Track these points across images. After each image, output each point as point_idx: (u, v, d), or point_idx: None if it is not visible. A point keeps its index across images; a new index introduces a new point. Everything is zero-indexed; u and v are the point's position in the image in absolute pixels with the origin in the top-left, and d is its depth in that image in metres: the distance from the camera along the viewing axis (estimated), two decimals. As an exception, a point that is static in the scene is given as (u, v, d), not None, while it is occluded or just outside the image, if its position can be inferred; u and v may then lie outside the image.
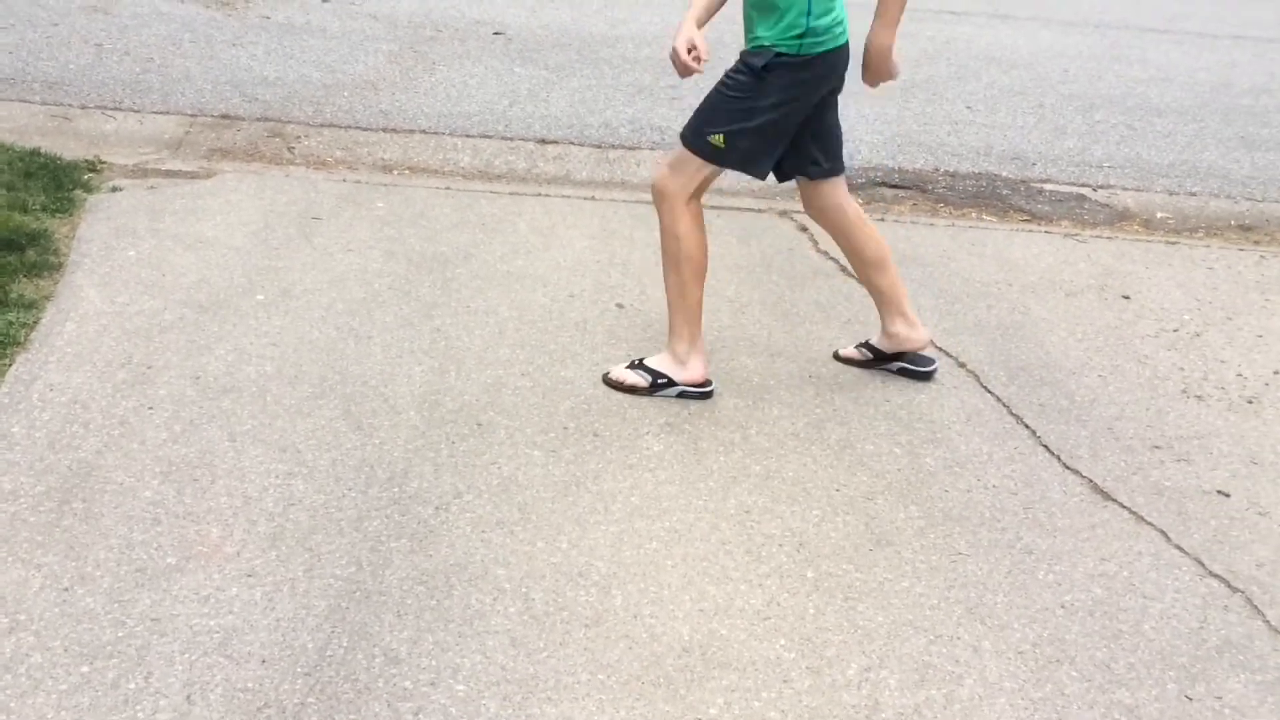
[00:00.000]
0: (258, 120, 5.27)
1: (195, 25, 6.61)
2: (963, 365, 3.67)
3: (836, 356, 3.62)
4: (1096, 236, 4.95)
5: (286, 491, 2.73)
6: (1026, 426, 3.35)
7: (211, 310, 3.52)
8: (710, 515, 2.81)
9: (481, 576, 2.52)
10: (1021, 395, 3.52)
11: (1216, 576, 2.77)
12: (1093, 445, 3.28)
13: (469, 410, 3.15)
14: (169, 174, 4.55)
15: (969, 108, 6.62)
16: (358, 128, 5.33)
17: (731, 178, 5.07)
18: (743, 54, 3.15)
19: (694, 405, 3.28)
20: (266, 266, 3.83)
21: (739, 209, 4.82)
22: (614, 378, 3.34)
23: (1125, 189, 5.56)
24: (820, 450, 3.13)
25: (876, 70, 3.20)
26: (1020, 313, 4.10)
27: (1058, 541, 2.84)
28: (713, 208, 4.76)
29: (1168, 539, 2.90)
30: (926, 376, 3.53)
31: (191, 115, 5.23)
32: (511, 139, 5.39)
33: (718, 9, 3.23)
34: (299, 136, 5.14)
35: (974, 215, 5.09)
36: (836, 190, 3.38)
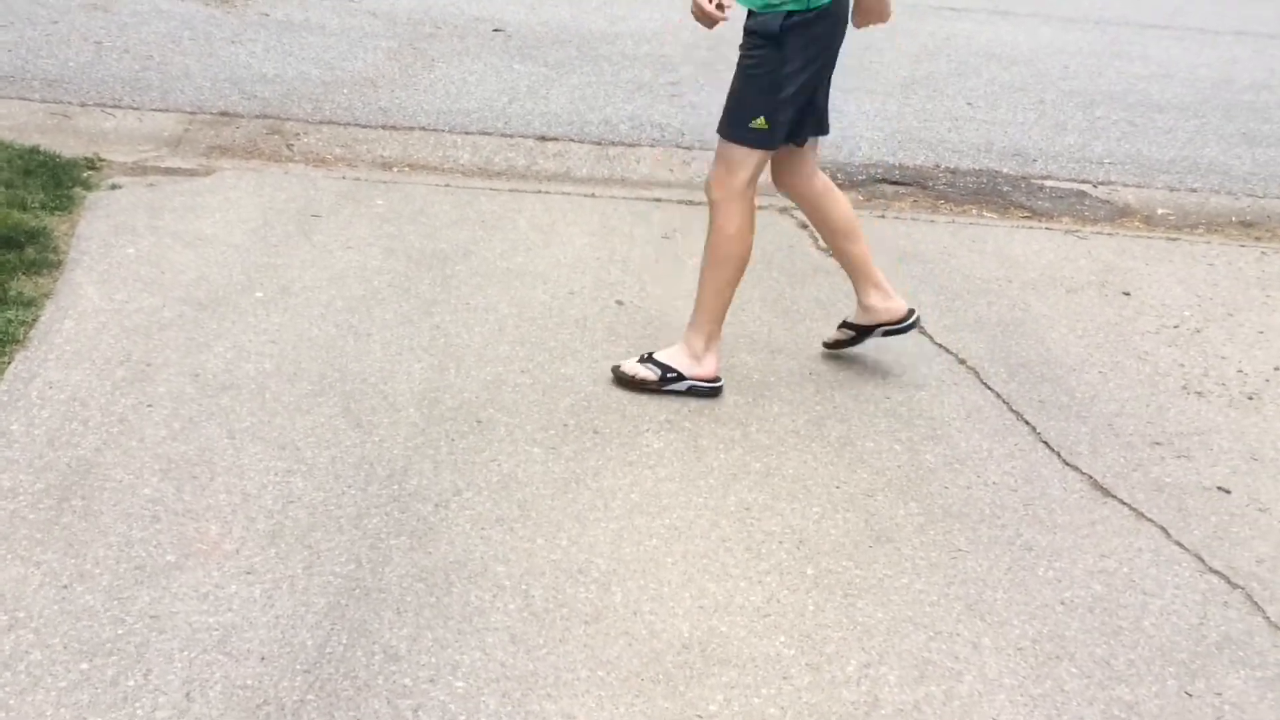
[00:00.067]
0: (257, 118, 5.26)
1: (194, 23, 6.61)
2: (963, 362, 3.67)
3: (825, 345, 3.60)
4: (1097, 233, 4.94)
5: (286, 489, 2.73)
6: (1026, 423, 3.35)
7: (210, 308, 3.51)
8: (710, 512, 2.81)
9: (481, 573, 2.52)
10: (1021, 392, 3.52)
11: (1216, 573, 2.77)
12: (1093, 442, 3.28)
13: (469, 407, 3.14)
14: (168, 171, 4.55)
15: (969, 104, 6.61)
16: (357, 125, 5.32)
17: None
18: (751, 25, 3.09)
19: (694, 402, 3.28)
20: (266, 264, 3.83)
21: (739, 206, 4.81)
22: (625, 371, 3.31)
23: (1126, 185, 5.55)
24: (820, 447, 3.13)
25: (868, 9, 3.18)
26: (1020, 309, 4.09)
27: (1057, 538, 2.84)
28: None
29: (1168, 535, 2.89)
30: (910, 329, 3.50)
31: (191, 113, 5.23)
32: (511, 136, 5.39)
33: None
34: (298, 134, 5.13)
35: (974, 212, 5.09)
36: (813, 155, 3.37)
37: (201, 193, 4.35)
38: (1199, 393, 3.63)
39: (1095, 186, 5.49)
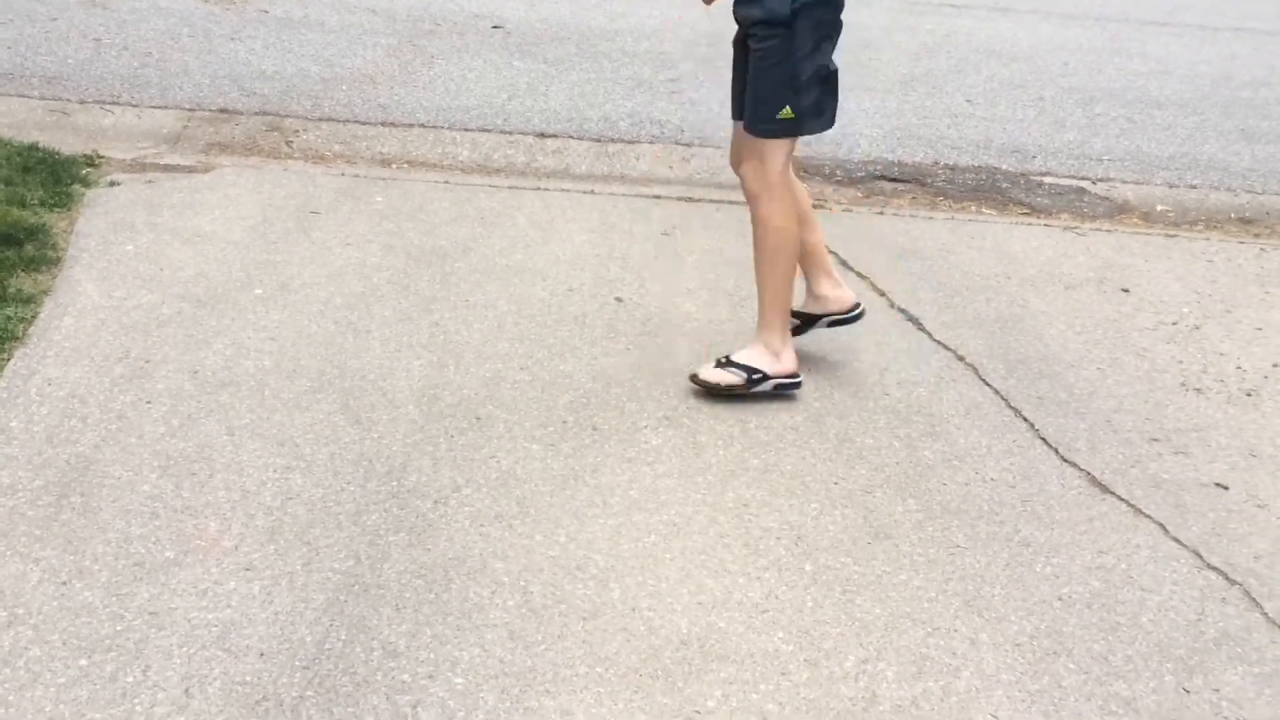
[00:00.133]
0: (256, 114, 5.26)
1: (193, 19, 6.61)
2: (961, 358, 3.67)
3: None
4: (1096, 229, 4.94)
5: (285, 485, 2.73)
6: (1025, 419, 3.35)
7: (209, 305, 3.51)
8: (708, 508, 2.81)
9: (480, 570, 2.52)
10: (1020, 388, 3.52)
11: (1214, 569, 2.77)
12: (1091, 438, 3.28)
13: (468, 404, 3.15)
14: (167, 168, 4.55)
15: (969, 101, 6.61)
16: (356, 122, 5.32)
17: (730, 172, 5.07)
18: (757, 14, 3.06)
19: (692, 399, 3.28)
20: (265, 261, 3.83)
21: (738, 203, 4.81)
22: (707, 379, 3.26)
23: (1125, 182, 5.55)
24: (819, 444, 3.13)
25: None
26: (1019, 306, 4.09)
27: (1056, 534, 2.84)
28: (713, 201, 4.77)
29: (1166, 531, 2.90)
30: (856, 319, 3.50)
31: (190, 110, 5.23)
32: (510, 133, 5.39)
33: None
34: (297, 130, 5.13)
35: (973, 208, 5.09)
36: None
37: (200, 189, 4.35)
38: (1197, 389, 3.63)
39: (1094, 183, 5.49)
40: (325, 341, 3.38)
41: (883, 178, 5.33)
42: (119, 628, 2.27)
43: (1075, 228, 4.94)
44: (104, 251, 3.77)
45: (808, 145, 4.95)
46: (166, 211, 4.12)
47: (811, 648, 2.40)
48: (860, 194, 5.12)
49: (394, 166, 4.93)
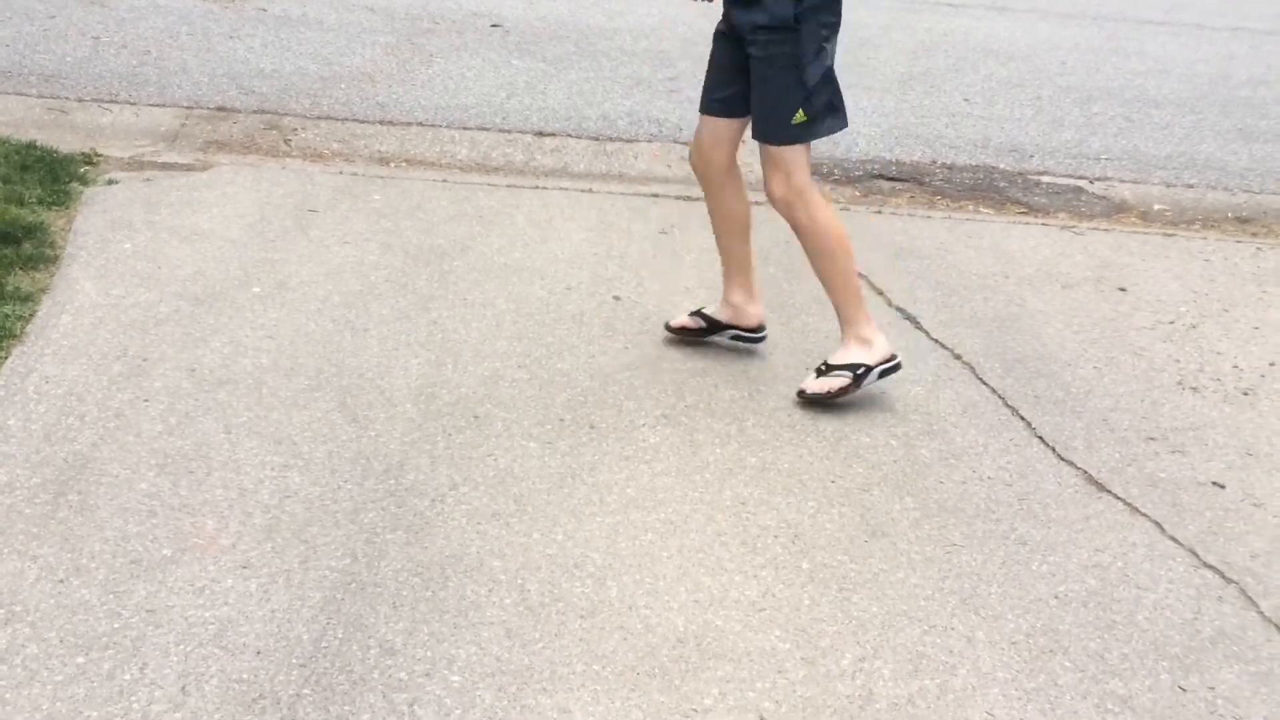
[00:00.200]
0: (254, 113, 5.26)
1: (192, 18, 6.60)
2: (959, 357, 3.67)
3: (668, 328, 3.54)
4: (1093, 229, 4.95)
5: (282, 484, 2.74)
6: (1022, 418, 3.35)
7: (207, 303, 3.52)
8: (706, 507, 2.81)
9: (477, 568, 2.52)
10: (1017, 387, 3.52)
11: (1211, 568, 2.78)
12: (1088, 437, 3.29)
13: (465, 403, 3.15)
14: (165, 166, 4.55)
15: (966, 100, 6.62)
16: (354, 120, 5.32)
17: (728, 170, 5.07)
18: (760, 19, 3.04)
19: (690, 397, 3.29)
20: (263, 259, 3.83)
21: (736, 201, 4.82)
22: (816, 391, 3.25)
23: (1122, 181, 5.55)
24: (816, 442, 3.14)
25: None
26: (1016, 305, 4.10)
27: (1052, 533, 2.85)
28: (709, 200, 4.76)
29: (1162, 530, 2.90)
30: (758, 340, 3.53)
31: (188, 108, 5.23)
32: (509, 131, 5.39)
33: None
34: (295, 129, 5.13)
35: (971, 208, 5.09)
36: (744, 132, 3.35)
37: (198, 188, 4.35)
38: (1194, 388, 3.63)
39: (1092, 182, 5.50)
40: (323, 340, 3.39)
41: (880, 176, 5.33)
42: (116, 625, 2.27)
43: (1073, 227, 4.94)
44: (102, 250, 3.77)
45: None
46: (164, 210, 4.12)
47: (808, 646, 2.40)
48: (858, 193, 5.12)
49: (392, 165, 4.93)
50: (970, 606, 2.56)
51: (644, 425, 3.13)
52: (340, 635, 2.30)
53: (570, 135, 5.42)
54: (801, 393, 3.29)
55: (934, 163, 5.55)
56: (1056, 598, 2.62)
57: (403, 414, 3.06)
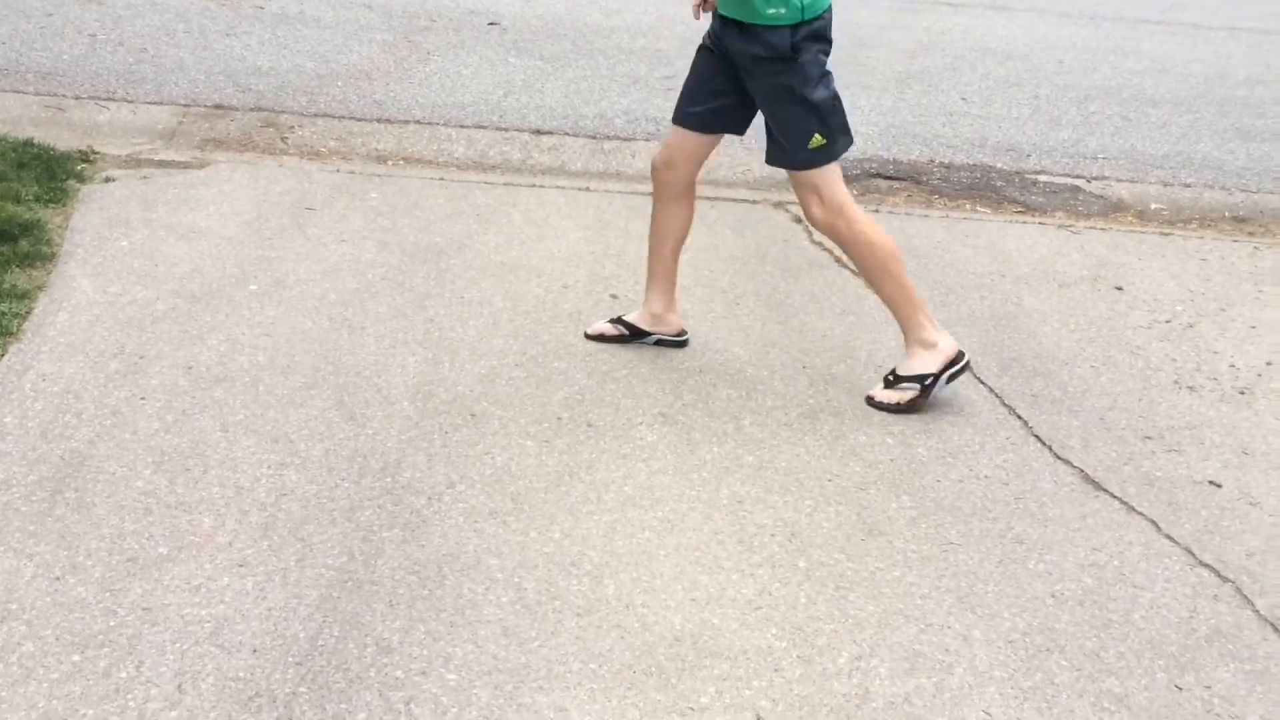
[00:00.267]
0: (251, 110, 5.26)
1: (189, 15, 6.60)
2: (956, 356, 3.67)
3: (586, 335, 3.53)
4: (1090, 228, 4.95)
5: (279, 482, 2.73)
6: (1018, 417, 3.35)
7: (204, 300, 3.51)
8: (703, 505, 2.81)
9: (474, 566, 2.52)
10: (1014, 386, 3.52)
11: (1206, 566, 2.78)
12: (1084, 436, 3.29)
13: (462, 401, 3.15)
14: (162, 164, 4.55)
15: (964, 99, 6.62)
16: (352, 118, 5.32)
17: (724, 170, 5.08)
18: (757, 51, 3.04)
19: (688, 395, 3.29)
20: (259, 257, 3.83)
21: (734, 200, 4.83)
22: (884, 401, 3.27)
23: (1120, 180, 5.56)
24: (813, 440, 3.14)
25: None
26: (1013, 304, 4.10)
27: (1048, 531, 2.85)
28: (707, 199, 4.76)
29: (1158, 529, 2.90)
30: (681, 345, 3.53)
31: (185, 105, 5.22)
32: (506, 129, 5.39)
33: None
34: (293, 126, 5.13)
35: (968, 206, 5.10)
36: (711, 152, 3.36)
37: (195, 185, 4.34)
38: (1191, 387, 3.64)
39: (1089, 181, 5.50)
40: (320, 338, 3.38)
41: (878, 175, 5.34)
42: (112, 623, 2.27)
43: (1070, 226, 4.95)
44: (99, 247, 3.77)
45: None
46: (161, 207, 4.12)
47: (805, 644, 2.40)
48: (856, 191, 5.10)
49: (389, 163, 4.93)
50: (967, 605, 2.57)
51: (641, 423, 3.13)
52: (337, 633, 2.30)
53: (567, 133, 5.42)
54: (870, 399, 3.31)
55: (931, 162, 5.55)
56: (1053, 596, 2.62)
57: (400, 412, 3.06)
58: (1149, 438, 3.32)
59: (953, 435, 3.22)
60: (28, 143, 4.47)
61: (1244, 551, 2.85)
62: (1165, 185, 5.56)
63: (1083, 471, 3.12)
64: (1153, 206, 5.32)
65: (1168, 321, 4.09)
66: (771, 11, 3.00)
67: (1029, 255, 4.55)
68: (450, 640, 2.31)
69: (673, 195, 3.37)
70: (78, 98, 5.18)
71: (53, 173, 4.22)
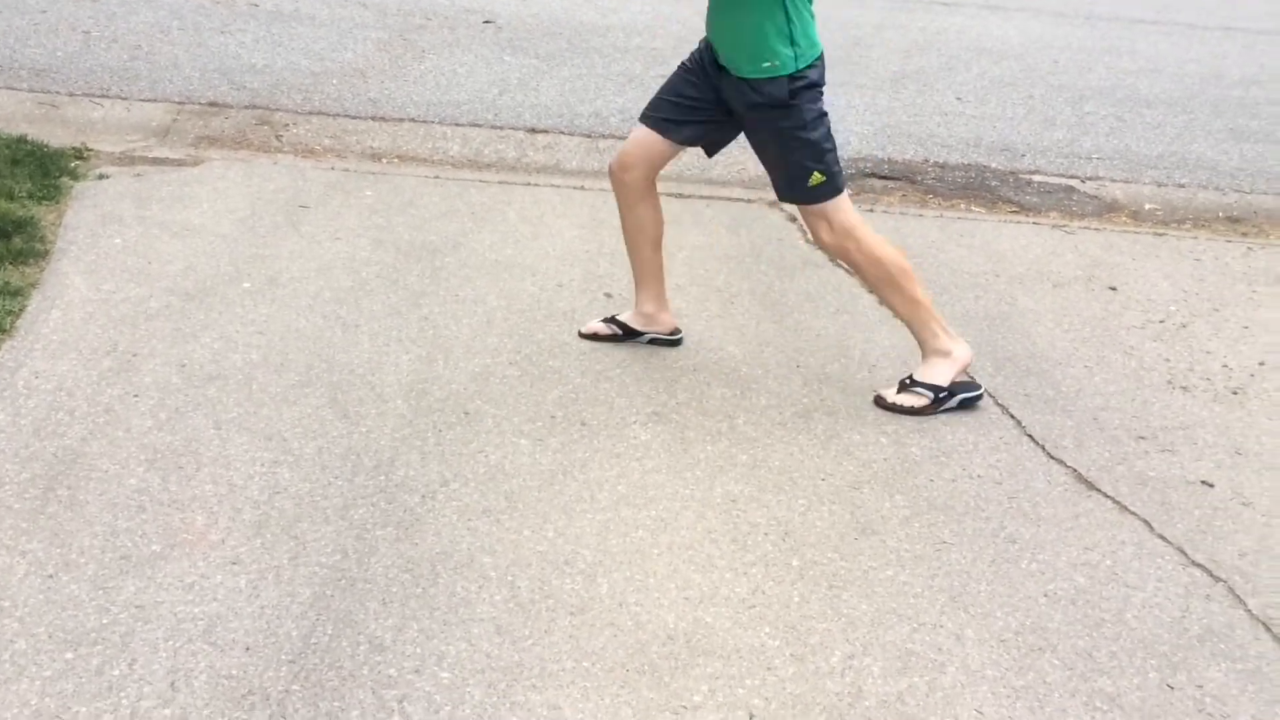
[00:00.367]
0: (246, 108, 5.25)
1: (183, 12, 6.59)
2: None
3: (580, 334, 3.54)
4: (1084, 228, 4.96)
5: (272, 479, 2.73)
6: (1012, 416, 3.36)
7: (198, 298, 3.51)
8: (696, 504, 2.81)
9: (467, 564, 2.52)
10: (1007, 385, 3.53)
11: (1199, 566, 2.79)
12: (1077, 435, 3.29)
13: (456, 399, 3.15)
14: (156, 162, 4.54)
15: (959, 99, 6.62)
16: (346, 116, 5.31)
17: (722, 169, 5.08)
18: (755, 99, 3.09)
19: (681, 394, 3.29)
20: (253, 254, 3.82)
21: (729, 199, 4.83)
22: (896, 403, 3.29)
23: (1114, 180, 5.57)
24: (807, 439, 3.14)
25: None
26: (1007, 303, 4.11)
27: (1041, 531, 2.85)
28: (703, 198, 4.77)
29: (1151, 529, 2.91)
30: (676, 344, 3.55)
31: (179, 103, 5.22)
32: (501, 128, 5.38)
33: None
34: (287, 124, 5.12)
35: (963, 206, 5.10)
36: (671, 158, 3.39)
37: (189, 183, 4.34)
38: (1184, 387, 3.64)
39: (1083, 182, 5.51)
40: (313, 336, 3.38)
41: (873, 175, 5.34)
42: (105, 621, 2.27)
43: (1064, 226, 4.95)
44: (92, 245, 3.76)
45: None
46: (155, 205, 4.11)
47: (798, 643, 2.41)
48: (850, 191, 5.11)
49: (384, 161, 4.93)
50: (959, 604, 2.57)
51: (635, 422, 3.13)
52: (330, 631, 2.30)
53: (562, 132, 5.42)
54: (879, 399, 3.32)
55: (926, 161, 5.56)
56: (1045, 595, 2.63)
57: (393, 410, 3.06)
58: (1142, 438, 3.33)
59: (946, 435, 3.23)
60: (21, 139, 4.46)
61: (1236, 551, 2.86)
62: (1159, 185, 5.57)
63: (1076, 471, 3.12)
64: (1147, 207, 5.33)
65: (1161, 321, 4.09)
66: (766, 64, 3.05)
67: (1023, 255, 4.55)
68: (443, 638, 2.31)
69: (635, 197, 3.37)
70: (71, 95, 5.17)
71: (46, 170, 4.21)
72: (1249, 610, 2.65)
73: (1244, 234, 5.12)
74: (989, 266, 4.41)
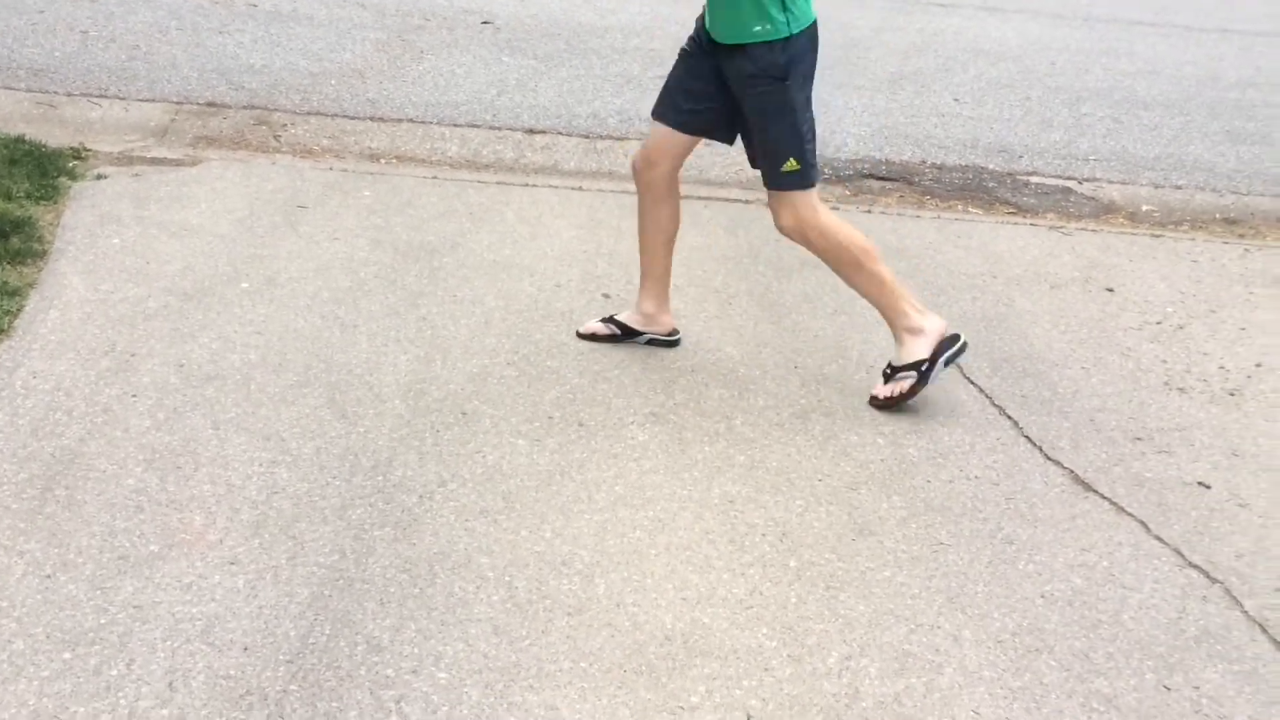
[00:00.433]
0: (244, 108, 5.25)
1: (182, 12, 6.59)
2: (947, 357, 3.68)
3: (578, 334, 3.54)
4: (1082, 229, 4.97)
5: (270, 480, 2.73)
6: (1009, 418, 3.36)
7: (196, 298, 3.51)
8: (694, 505, 2.82)
9: (465, 565, 2.53)
10: (1004, 387, 3.53)
11: (1196, 567, 2.79)
12: (1074, 437, 3.30)
13: (454, 399, 3.15)
14: (154, 162, 4.54)
15: (956, 100, 6.63)
16: (345, 116, 5.31)
17: (717, 169, 5.08)
18: (750, 69, 3.06)
19: (679, 395, 3.29)
20: (252, 255, 3.83)
21: (727, 200, 4.83)
22: (888, 395, 3.29)
23: (1111, 182, 5.57)
24: (804, 440, 3.14)
25: None
26: (1004, 305, 4.11)
27: (1038, 532, 2.86)
28: (700, 198, 4.77)
29: (1148, 530, 2.91)
30: (674, 345, 3.55)
31: (177, 103, 5.22)
32: (499, 128, 5.39)
33: None
34: (285, 125, 5.12)
35: (960, 207, 5.11)
36: (689, 153, 3.39)
37: (188, 183, 4.34)
38: (1181, 389, 3.65)
39: (1080, 183, 5.52)
40: (312, 336, 3.38)
41: (870, 176, 5.34)
42: (103, 621, 2.27)
43: (1061, 227, 4.96)
44: (90, 245, 3.76)
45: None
46: (153, 205, 4.11)
47: (795, 644, 2.41)
48: (848, 192, 5.13)
49: (382, 161, 4.93)
50: (957, 605, 2.57)
51: (632, 423, 3.13)
52: (328, 632, 2.30)
53: (561, 133, 5.42)
54: (873, 398, 3.32)
55: (923, 162, 5.56)
56: (1043, 597, 2.63)
57: (391, 410, 3.06)
58: (1139, 439, 3.33)
59: (943, 436, 3.23)
60: (19, 140, 4.46)
61: (1233, 553, 2.86)
62: (1156, 187, 5.58)
63: (1073, 472, 3.13)
64: (1144, 208, 5.34)
65: (1158, 323, 4.10)
66: (758, 29, 3.03)
67: (1020, 256, 4.56)
68: (441, 639, 2.32)
69: (658, 194, 3.38)
70: (70, 95, 5.17)
71: (44, 170, 4.21)
72: (1245, 611, 2.65)
73: (1241, 235, 5.12)
74: (986, 268, 4.41)
